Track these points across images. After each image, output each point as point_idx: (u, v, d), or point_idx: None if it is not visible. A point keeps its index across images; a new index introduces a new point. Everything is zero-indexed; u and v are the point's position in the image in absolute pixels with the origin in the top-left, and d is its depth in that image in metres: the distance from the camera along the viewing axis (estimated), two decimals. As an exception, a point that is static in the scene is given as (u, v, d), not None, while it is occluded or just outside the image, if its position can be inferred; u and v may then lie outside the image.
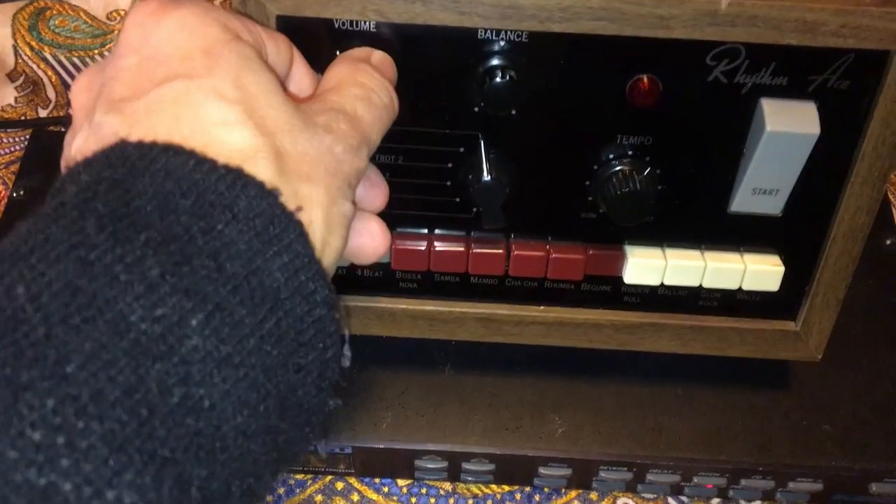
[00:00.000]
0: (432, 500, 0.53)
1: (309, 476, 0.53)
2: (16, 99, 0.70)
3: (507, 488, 0.53)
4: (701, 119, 0.42)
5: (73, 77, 0.71)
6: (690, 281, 0.47)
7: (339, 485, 0.53)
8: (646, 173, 0.43)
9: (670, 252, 0.47)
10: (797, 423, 0.52)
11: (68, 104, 0.69)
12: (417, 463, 0.51)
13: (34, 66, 0.72)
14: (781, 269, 0.46)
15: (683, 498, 0.53)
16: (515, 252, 0.47)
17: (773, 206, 0.44)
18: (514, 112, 0.42)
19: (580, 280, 0.48)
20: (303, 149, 0.30)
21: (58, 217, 0.26)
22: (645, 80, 0.41)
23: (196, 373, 0.25)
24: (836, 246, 0.46)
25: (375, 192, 0.37)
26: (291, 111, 0.30)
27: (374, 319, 0.49)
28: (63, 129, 0.30)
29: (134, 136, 0.28)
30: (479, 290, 0.49)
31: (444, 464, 0.51)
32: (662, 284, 0.48)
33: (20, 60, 0.72)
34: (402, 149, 0.44)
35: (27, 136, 0.67)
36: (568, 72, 0.41)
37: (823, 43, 0.39)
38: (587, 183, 0.44)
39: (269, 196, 0.28)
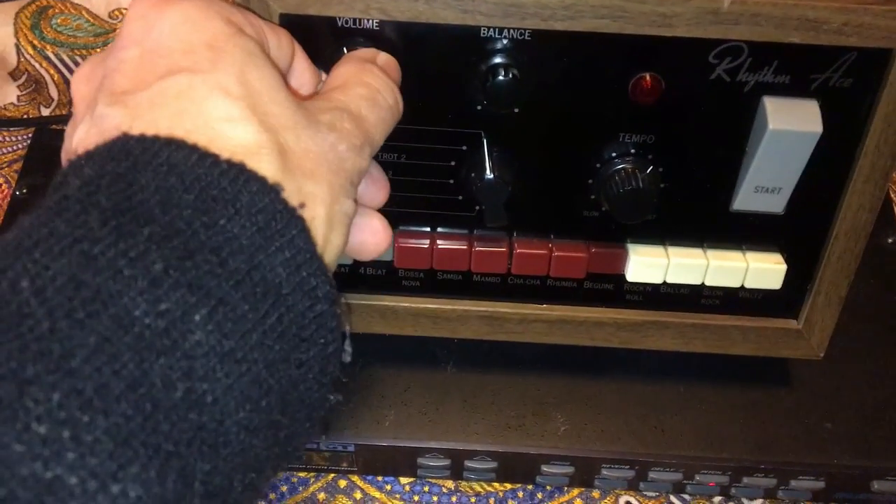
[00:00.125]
0: (435, 498, 0.53)
1: (311, 474, 0.53)
2: (18, 97, 0.70)
3: (509, 486, 0.53)
4: (703, 117, 0.42)
5: (75, 76, 0.71)
6: (693, 279, 0.47)
7: (342, 483, 0.53)
8: (648, 171, 0.43)
9: (673, 250, 0.47)
10: (799, 421, 0.52)
11: (70, 103, 0.69)
12: (420, 461, 0.51)
13: (36, 65, 0.72)
14: (784, 267, 0.47)
15: (685, 496, 0.53)
16: (518, 250, 0.47)
17: (775, 204, 0.44)
18: (516, 110, 0.42)
19: (583, 278, 0.48)
20: (306, 146, 0.30)
21: (61, 211, 0.26)
22: (647, 78, 0.41)
23: (199, 367, 0.25)
24: (839, 244, 0.46)
25: (377, 189, 0.37)
26: (295, 108, 0.30)
27: (376, 317, 0.49)
28: (66, 128, 0.31)
29: (136, 130, 0.28)
30: (481, 289, 0.49)
31: (447, 462, 0.51)
32: (665, 282, 0.48)
33: (22, 59, 0.72)
34: (405, 147, 0.44)
35: (30, 135, 0.67)
36: (570, 70, 0.41)
37: (826, 41, 0.39)
38: (590, 181, 0.45)
39: (271, 192, 0.28)
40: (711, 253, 0.47)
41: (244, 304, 0.26)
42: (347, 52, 0.39)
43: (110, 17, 0.76)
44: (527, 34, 0.40)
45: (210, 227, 0.26)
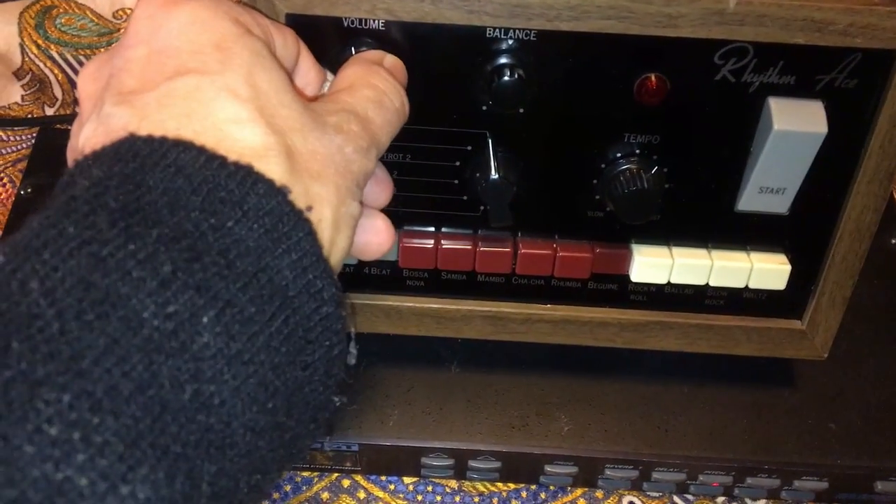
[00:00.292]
0: (438, 498, 0.53)
1: (315, 473, 0.53)
2: (22, 97, 0.70)
3: (512, 486, 0.53)
4: (708, 118, 0.42)
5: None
6: (697, 279, 0.47)
7: (346, 482, 0.53)
8: (653, 172, 0.43)
9: (677, 250, 0.47)
10: (803, 421, 0.52)
11: (75, 102, 0.69)
12: (423, 460, 0.51)
13: (41, 65, 0.72)
14: (788, 267, 0.47)
15: (689, 496, 0.53)
16: (522, 250, 0.47)
17: (779, 204, 0.44)
18: (521, 110, 0.42)
19: (587, 278, 0.48)
20: (313, 147, 0.30)
21: (69, 212, 0.26)
22: (653, 78, 0.41)
23: (207, 369, 0.25)
24: (843, 245, 0.46)
25: (381, 189, 0.37)
26: (302, 110, 0.30)
27: (381, 317, 0.49)
28: (70, 128, 0.31)
29: (144, 130, 0.28)
30: (485, 289, 0.49)
31: (450, 461, 0.51)
32: (669, 283, 0.48)
33: (27, 59, 0.72)
34: (410, 147, 0.44)
35: (34, 135, 0.67)
36: (576, 70, 0.41)
37: (831, 42, 0.39)
38: (594, 181, 0.45)
39: (278, 194, 0.28)
40: (716, 253, 0.47)
41: (251, 306, 0.26)
42: (354, 52, 0.39)
43: (114, 16, 0.76)
44: (532, 35, 0.40)
45: (218, 229, 0.26)
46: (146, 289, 0.24)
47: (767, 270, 0.47)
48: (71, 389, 0.23)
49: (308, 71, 0.36)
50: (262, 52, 0.30)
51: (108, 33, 0.74)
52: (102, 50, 0.73)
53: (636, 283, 0.48)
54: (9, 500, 0.21)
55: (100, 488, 0.22)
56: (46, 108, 0.70)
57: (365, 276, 0.49)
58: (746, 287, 0.47)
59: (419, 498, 0.53)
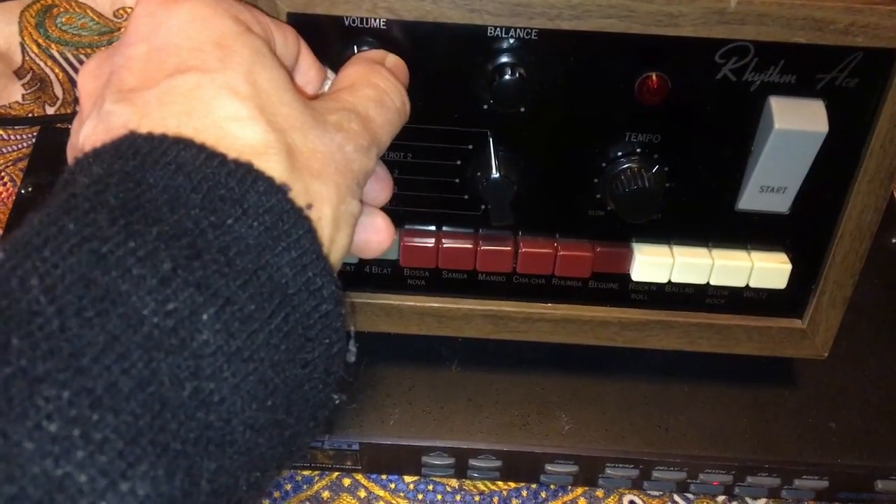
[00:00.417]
0: (439, 497, 0.53)
1: (316, 472, 0.53)
2: (23, 96, 0.70)
3: (513, 485, 0.53)
4: (709, 117, 0.42)
5: (80, 74, 0.71)
6: (697, 278, 0.47)
7: (346, 481, 0.53)
8: (654, 171, 0.43)
9: (678, 249, 0.47)
10: (803, 420, 0.52)
11: (76, 101, 0.69)
12: (424, 459, 0.51)
13: (41, 64, 0.72)
14: (788, 266, 0.47)
15: (689, 495, 0.54)
16: (523, 249, 0.47)
17: (780, 203, 0.44)
18: (522, 109, 0.42)
19: (588, 277, 0.48)
20: (314, 146, 0.30)
21: (70, 209, 0.26)
22: (653, 77, 0.41)
23: (207, 367, 0.25)
24: (844, 244, 0.46)
25: (381, 188, 0.37)
26: (302, 108, 0.30)
27: (381, 316, 0.49)
28: (71, 127, 0.31)
29: (144, 128, 0.28)
30: (486, 288, 0.49)
31: (451, 460, 0.51)
32: (670, 282, 0.48)
33: (27, 58, 0.72)
34: (411, 146, 0.44)
35: (34, 134, 0.67)
36: (577, 69, 0.41)
37: (832, 41, 0.39)
38: (595, 180, 0.45)
39: (278, 192, 0.28)
40: (716, 252, 0.47)
41: (251, 303, 0.26)
42: (357, 51, 0.39)
43: (115, 15, 0.76)
44: (533, 34, 0.40)
45: (217, 227, 0.26)
46: (146, 286, 0.25)
47: (768, 269, 0.47)
48: (71, 386, 0.23)
49: (308, 69, 0.36)
50: (262, 50, 0.30)
51: (109, 32, 0.74)
52: (103, 49, 0.73)
53: (637, 282, 0.48)
54: (8, 497, 0.21)
55: (99, 485, 0.22)
56: (47, 107, 0.70)
57: (366, 274, 0.49)
58: (747, 286, 0.47)
59: (420, 497, 0.53)
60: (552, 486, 0.53)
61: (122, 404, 0.23)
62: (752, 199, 0.44)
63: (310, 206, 0.29)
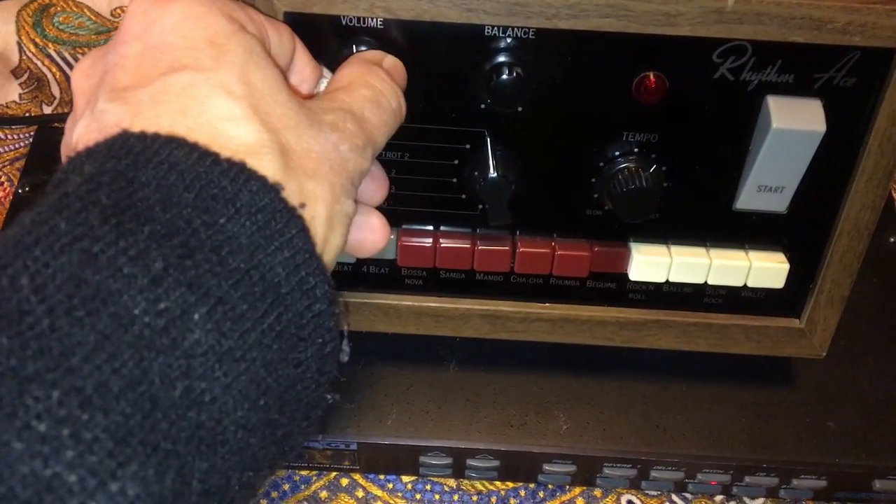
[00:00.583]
0: (437, 497, 0.53)
1: (314, 472, 0.53)
2: (20, 96, 0.70)
3: (511, 485, 0.53)
4: (707, 116, 0.42)
5: (77, 74, 0.71)
6: (695, 278, 0.47)
7: (344, 481, 0.53)
8: (651, 170, 0.43)
9: (675, 249, 0.47)
10: (801, 420, 0.52)
11: (73, 101, 0.69)
12: (422, 459, 0.51)
13: (38, 63, 0.72)
14: (786, 266, 0.47)
15: (687, 495, 0.53)
16: (521, 249, 0.47)
17: (778, 203, 0.44)
18: (520, 109, 0.42)
19: (585, 277, 0.48)
20: (308, 145, 0.30)
21: (62, 208, 0.26)
22: (651, 77, 0.41)
23: (198, 366, 0.25)
24: (841, 243, 0.46)
25: (377, 187, 0.37)
26: (297, 108, 0.30)
27: (379, 316, 0.49)
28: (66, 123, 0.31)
29: (137, 127, 0.28)
30: (484, 287, 0.49)
31: (449, 460, 0.51)
32: (667, 281, 0.48)
33: (24, 57, 0.72)
34: (409, 145, 0.44)
35: (31, 133, 0.67)
36: (574, 69, 0.41)
37: (830, 40, 0.39)
38: (593, 180, 0.45)
39: (271, 191, 0.28)
40: (714, 252, 0.47)
41: (243, 303, 0.26)
42: (354, 50, 0.39)
43: (112, 14, 0.76)
44: (531, 33, 0.40)
45: (210, 226, 0.26)
46: (137, 285, 0.24)
47: (766, 269, 0.47)
48: (60, 386, 0.23)
49: (304, 68, 0.36)
50: (255, 49, 0.30)
51: (106, 31, 0.74)
52: (97, 47, 0.73)
53: (635, 282, 0.48)
54: None
55: (89, 485, 0.22)
56: (44, 107, 0.70)
57: (363, 274, 0.49)
58: (745, 286, 0.47)
59: (418, 497, 0.53)
60: (550, 486, 0.53)
61: (113, 404, 0.23)
62: (749, 198, 0.44)
63: (303, 206, 0.29)
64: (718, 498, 0.54)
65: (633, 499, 0.53)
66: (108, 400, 0.23)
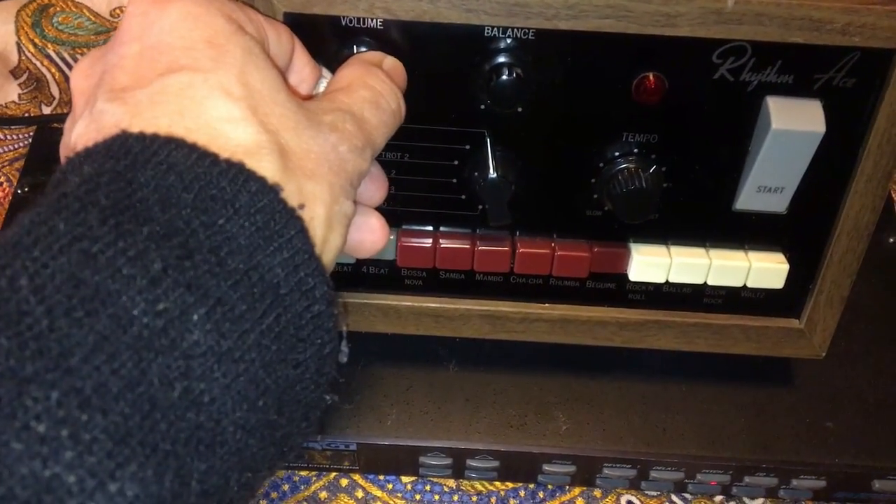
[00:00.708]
0: (436, 497, 0.53)
1: (313, 472, 0.53)
2: (19, 96, 0.70)
3: (510, 485, 0.53)
4: (706, 117, 0.42)
5: (76, 74, 0.71)
6: (695, 278, 0.47)
7: (344, 481, 0.53)
8: (651, 171, 0.43)
9: (675, 250, 0.47)
10: (801, 420, 0.52)
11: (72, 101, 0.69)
12: (422, 460, 0.51)
13: (37, 63, 0.72)
14: (786, 266, 0.47)
15: (687, 495, 0.54)
16: (521, 249, 0.47)
17: (777, 203, 0.44)
18: (520, 109, 0.42)
19: (585, 277, 0.48)
20: (307, 146, 0.30)
21: (60, 209, 0.26)
22: (651, 77, 0.41)
23: (197, 367, 0.25)
24: (841, 244, 0.46)
25: (376, 188, 0.37)
26: (296, 108, 0.30)
27: (378, 316, 0.49)
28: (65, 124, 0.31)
29: (136, 127, 0.28)
30: (484, 288, 0.49)
31: (449, 461, 0.51)
32: (667, 282, 0.48)
33: (24, 57, 0.72)
34: (409, 146, 0.44)
35: (31, 133, 0.67)
36: (574, 69, 0.41)
37: (829, 41, 0.39)
38: (593, 180, 0.45)
39: (270, 192, 0.28)
40: (714, 252, 0.47)
41: (242, 303, 0.26)
42: (354, 51, 0.39)
43: (111, 15, 0.76)
44: (531, 34, 0.40)
45: (209, 227, 0.26)
46: (136, 286, 0.24)
47: (765, 269, 0.47)
48: (59, 387, 0.23)
49: (303, 68, 0.36)
50: (254, 50, 0.30)
51: (105, 32, 0.74)
52: (96, 47, 0.73)
53: (634, 283, 0.48)
54: None
55: (88, 485, 0.22)
56: (43, 107, 0.70)
57: (363, 274, 0.49)
58: (744, 286, 0.47)
59: (417, 497, 0.53)
60: (550, 487, 0.53)
61: (111, 405, 0.23)
62: (749, 199, 0.44)
63: (302, 207, 0.29)
64: (718, 498, 0.54)
65: (633, 499, 0.53)
66: (107, 400, 0.23)
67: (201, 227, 0.26)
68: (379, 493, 0.53)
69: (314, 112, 0.31)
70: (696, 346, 0.50)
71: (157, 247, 0.25)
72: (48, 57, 0.72)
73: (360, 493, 0.53)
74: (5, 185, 0.65)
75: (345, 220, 0.31)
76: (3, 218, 0.61)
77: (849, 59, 0.40)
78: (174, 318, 0.25)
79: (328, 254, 0.31)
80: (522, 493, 0.53)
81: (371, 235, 0.36)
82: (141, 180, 0.26)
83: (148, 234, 0.25)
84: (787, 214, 0.45)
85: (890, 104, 0.41)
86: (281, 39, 0.34)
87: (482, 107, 0.42)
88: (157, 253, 0.25)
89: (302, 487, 0.52)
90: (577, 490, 0.53)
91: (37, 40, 0.73)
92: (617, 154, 0.43)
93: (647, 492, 0.53)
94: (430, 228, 0.47)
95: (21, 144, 0.67)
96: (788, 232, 0.46)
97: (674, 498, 0.53)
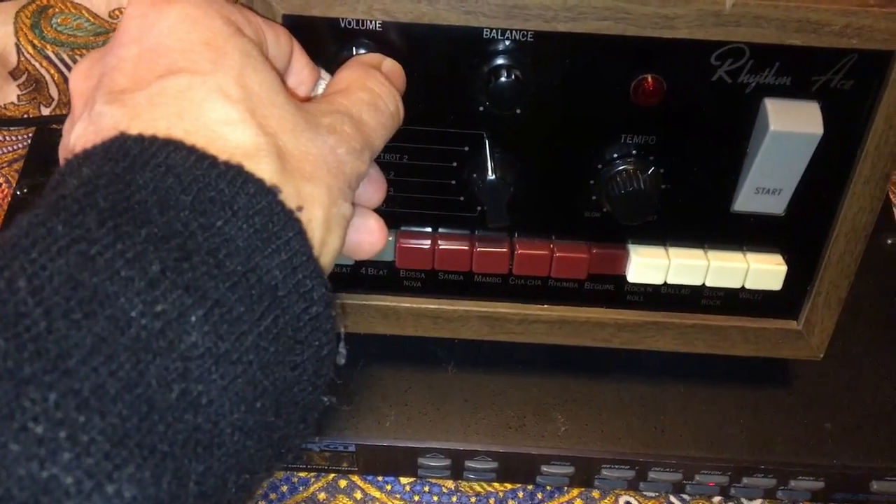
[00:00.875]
0: (435, 499, 0.53)
1: (312, 474, 0.53)
2: (18, 97, 0.70)
3: (509, 486, 0.53)
4: (705, 118, 0.42)
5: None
6: (693, 280, 0.47)
7: (343, 483, 0.53)
8: (649, 172, 0.43)
9: (673, 251, 0.47)
10: (799, 421, 0.52)
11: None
12: (420, 461, 0.51)
13: (36, 65, 0.72)
14: (784, 268, 0.47)
15: (685, 496, 0.54)
16: (519, 251, 0.47)
17: (775, 205, 0.44)
18: (518, 111, 0.42)
19: (584, 279, 0.48)
20: (306, 148, 0.30)
21: (59, 211, 0.26)
22: (649, 79, 0.41)
23: (195, 369, 0.25)
24: (839, 245, 0.46)
25: (374, 189, 0.37)
26: (294, 111, 0.30)
27: (377, 318, 0.49)
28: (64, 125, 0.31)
29: (134, 129, 0.28)
30: (482, 289, 0.49)
31: (447, 462, 0.51)
32: (665, 283, 0.48)
33: (23, 58, 0.72)
34: (407, 147, 0.44)
35: (30, 135, 0.67)
36: (573, 71, 0.41)
37: (827, 43, 0.39)
38: (591, 182, 0.45)
39: (268, 194, 0.28)
40: (712, 254, 0.47)
41: (240, 305, 0.26)
42: (353, 52, 0.39)
43: (110, 16, 0.76)
44: (529, 36, 0.40)
45: (207, 229, 0.26)
46: (134, 288, 0.25)
47: (764, 271, 0.47)
48: (57, 388, 0.23)
49: (301, 70, 0.36)
50: (252, 52, 0.30)
51: (105, 33, 0.74)
52: (95, 49, 0.73)
53: (633, 284, 0.48)
54: None
55: (85, 487, 0.22)
56: (42, 108, 0.70)
57: (362, 276, 0.49)
58: (743, 287, 0.47)
59: (416, 498, 0.53)
60: (548, 488, 0.54)
61: (109, 406, 0.23)
62: (747, 200, 0.44)
63: (300, 209, 0.29)
64: (716, 499, 0.54)
65: (632, 500, 0.53)
66: (105, 402, 0.23)
67: (200, 228, 0.26)
68: (377, 494, 0.53)
69: (313, 114, 0.31)
70: (695, 348, 0.50)
71: (156, 249, 0.25)
72: (47, 58, 0.72)
73: (358, 495, 0.53)
74: (4, 186, 0.65)
75: (343, 222, 0.31)
76: (1, 219, 0.61)
77: (847, 61, 0.40)
78: (172, 319, 0.25)
79: (326, 256, 0.31)
80: (521, 495, 0.53)
81: (370, 237, 0.36)
82: (139, 182, 0.27)
83: (146, 236, 0.25)
84: (786, 216, 0.45)
85: (888, 106, 0.41)
86: (279, 41, 0.34)
87: (481, 108, 0.42)
88: (155, 255, 0.25)
89: (300, 489, 0.52)
90: (575, 491, 0.53)
91: (36, 41, 0.73)
92: (615, 156, 0.44)
93: (645, 493, 0.53)
94: (429, 230, 0.47)
95: (20, 146, 0.67)
96: (786, 233, 0.46)
97: (672, 499, 0.54)
